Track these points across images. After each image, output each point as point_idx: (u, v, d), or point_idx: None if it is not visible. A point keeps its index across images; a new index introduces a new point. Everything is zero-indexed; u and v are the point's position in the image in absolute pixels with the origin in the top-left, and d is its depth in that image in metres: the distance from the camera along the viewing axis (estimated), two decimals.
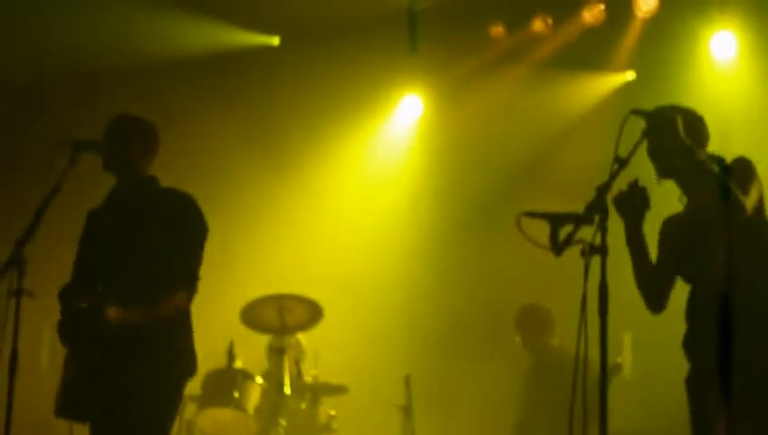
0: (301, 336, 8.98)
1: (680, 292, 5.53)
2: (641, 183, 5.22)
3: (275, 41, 10.61)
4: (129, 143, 6.00)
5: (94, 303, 5.77)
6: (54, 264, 7.59)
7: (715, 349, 4.77)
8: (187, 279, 5.86)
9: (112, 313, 5.71)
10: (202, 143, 10.21)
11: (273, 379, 8.52)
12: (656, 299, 5.47)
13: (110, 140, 5.98)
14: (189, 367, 5.94)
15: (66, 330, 5.88)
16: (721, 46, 9.70)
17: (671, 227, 5.58)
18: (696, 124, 5.33)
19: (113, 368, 5.71)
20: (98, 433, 5.87)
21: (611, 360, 5.49)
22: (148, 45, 9.84)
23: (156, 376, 5.76)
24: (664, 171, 5.33)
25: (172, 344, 5.83)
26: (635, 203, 5.27)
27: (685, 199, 5.44)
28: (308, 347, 9.07)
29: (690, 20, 9.55)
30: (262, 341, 9.02)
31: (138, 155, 6.02)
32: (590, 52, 9.92)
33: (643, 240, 5.36)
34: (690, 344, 5.44)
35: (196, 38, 10.00)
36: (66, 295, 5.96)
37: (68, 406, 5.85)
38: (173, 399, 5.89)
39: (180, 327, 5.89)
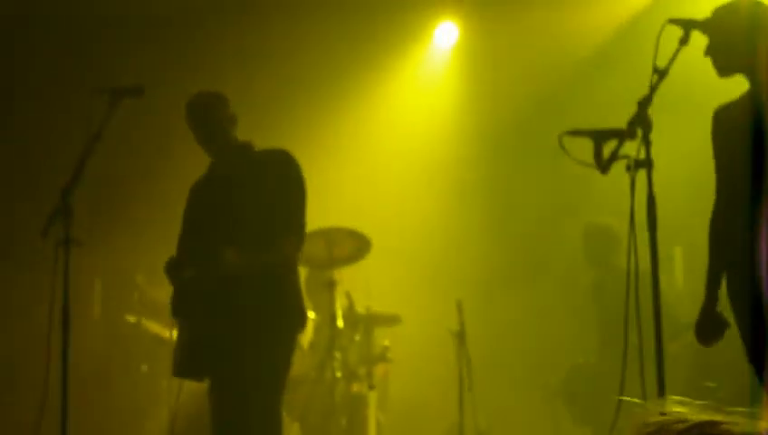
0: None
1: None
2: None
3: None
4: (216, 116, 6.10)
5: (201, 272, 5.85)
6: (102, 212, 7.64)
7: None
8: (297, 228, 5.96)
9: (229, 254, 5.79)
10: (239, 85, 10.19)
11: (325, 313, 8.54)
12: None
13: (198, 120, 6.07)
14: (302, 318, 6.06)
15: (178, 303, 5.97)
16: None
17: (727, 115, 5.05)
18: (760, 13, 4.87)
19: (227, 324, 5.78)
20: (216, 389, 5.98)
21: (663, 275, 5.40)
22: None
23: (270, 329, 5.85)
24: (724, 69, 4.92)
25: (284, 297, 5.95)
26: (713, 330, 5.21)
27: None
28: (356, 279, 9.04)
29: None
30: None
31: (225, 124, 6.12)
32: None
33: None
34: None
35: None
36: (172, 269, 6.02)
37: (185, 366, 5.94)
38: (287, 350, 5.98)
39: (291, 279, 6.02)
